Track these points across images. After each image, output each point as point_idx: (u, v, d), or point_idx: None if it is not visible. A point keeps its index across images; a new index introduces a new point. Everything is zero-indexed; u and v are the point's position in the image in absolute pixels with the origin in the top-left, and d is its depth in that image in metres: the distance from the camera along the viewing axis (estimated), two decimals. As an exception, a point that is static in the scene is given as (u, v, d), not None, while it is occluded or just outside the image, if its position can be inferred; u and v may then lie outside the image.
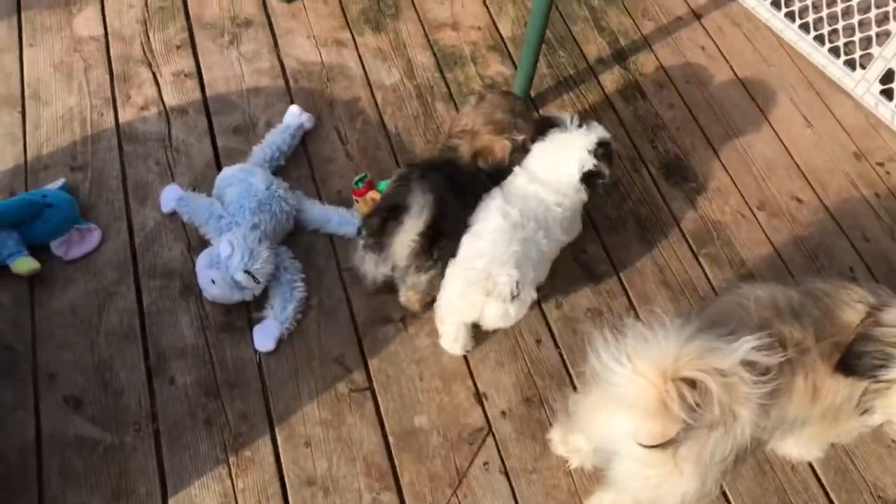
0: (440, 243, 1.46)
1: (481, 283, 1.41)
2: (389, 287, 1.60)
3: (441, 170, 1.52)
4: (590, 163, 1.53)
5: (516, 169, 1.56)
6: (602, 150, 1.54)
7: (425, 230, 1.41)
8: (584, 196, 1.57)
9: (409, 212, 1.41)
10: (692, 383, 1.08)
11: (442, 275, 1.48)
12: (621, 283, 1.74)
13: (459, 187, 1.51)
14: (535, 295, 1.48)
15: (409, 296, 1.59)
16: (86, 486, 1.37)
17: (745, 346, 1.07)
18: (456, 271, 1.46)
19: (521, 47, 2.09)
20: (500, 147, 1.59)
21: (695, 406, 1.07)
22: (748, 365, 1.10)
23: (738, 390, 1.09)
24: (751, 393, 1.08)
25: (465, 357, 1.59)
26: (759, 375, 1.10)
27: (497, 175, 1.59)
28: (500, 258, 1.41)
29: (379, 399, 1.52)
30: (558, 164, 1.53)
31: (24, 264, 1.55)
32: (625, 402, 1.14)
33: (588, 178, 1.54)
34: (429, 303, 1.59)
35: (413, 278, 1.51)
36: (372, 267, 1.51)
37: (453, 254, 1.47)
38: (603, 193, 1.81)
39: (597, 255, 1.77)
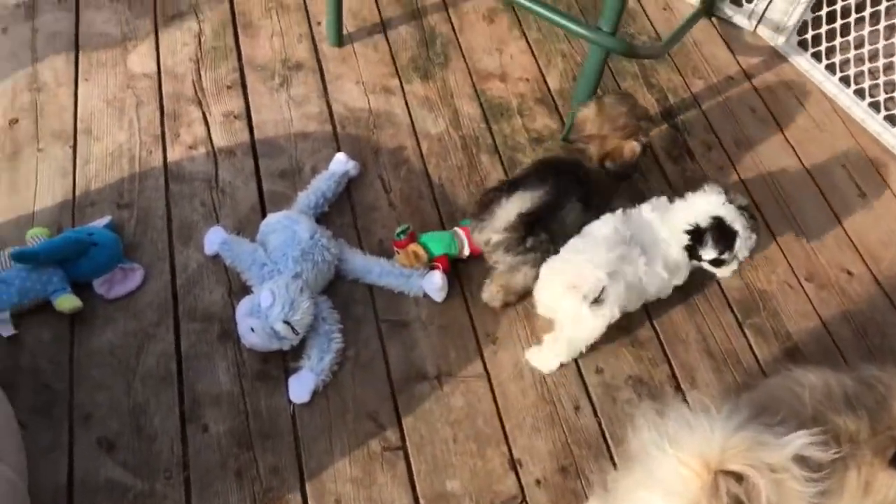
0: (538, 235, 1.58)
1: (569, 275, 1.51)
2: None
3: (573, 172, 1.67)
4: (700, 225, 1.60)
5: (653, 200, 1.67)
6: (717, 234, 1.60)
7: (526, 214, 1.55)
8: (681, 255, 1.63)
9: (518, 191, 1.57)
10: (739, 477, 1.07)
11: (532, 266, 1.60)
12: (664, 350, 1.73)
13: (587, 191, 1.65)
14: (616, 315, 1.55)
15: (493, 287, 1.68)
16: (115, 533, 1.39)
17: (799, 440, 1.05)
18: (550, 262, 1.57)
19: (570, 101, 2.12)
20: (630, 149, 1.74)
21: (741, 502, 1.06)
22: (800, 461, 1.08)
23: (789, 488, 1.07)
24: (802, 492, 1.06)
25: (500, 420, 1.59)
26: (811, 472, 1.09)
27: (623, 175, 1.76)
28: (596, 260, 1.50)
29: (411, 459, 1.53)
30: (679, 211, 1.63)
31: (67, 302, 1.59)
32: (666, 488, 1.13)
33: (691, 238, 1.60)
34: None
35: (500, 256, 1.61)
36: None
37: (554, 251, 1.58)
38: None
39: (640, 320, 1.76)
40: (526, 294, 1.70)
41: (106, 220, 1.74)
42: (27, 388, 1.52)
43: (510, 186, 1.62)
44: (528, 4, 1.77)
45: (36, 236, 1.69)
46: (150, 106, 2.00)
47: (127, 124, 1.95)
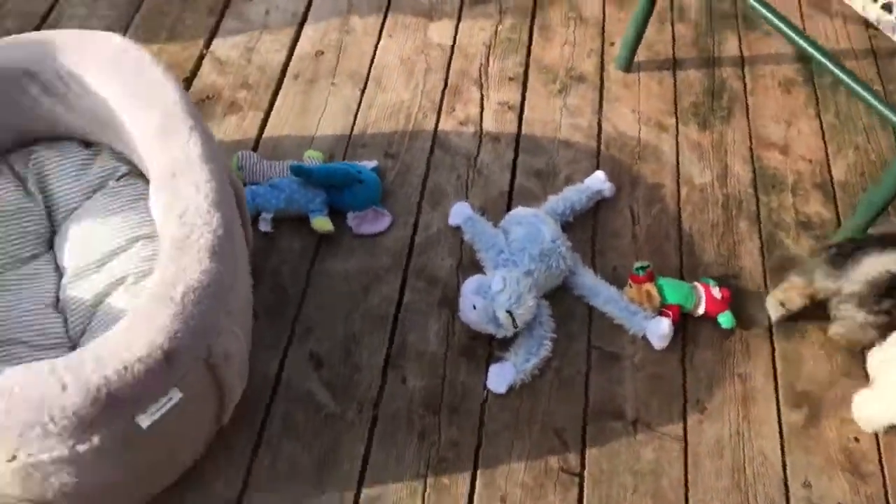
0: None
1: None
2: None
3: None
4: None
5: None
6: None
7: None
8: None
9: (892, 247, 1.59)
10: None
11: (874, 328, 1.62)
12: (886, 495, 1.60)
13: None
14: None
15: (835, 329, 1.73)
16: (300, 441, 1.53)
17: None
18: None
19: (854, 197, 2.04)
20: None
21: None
22: None
23: None
24: None
25: (685, 490, 1.56)
26: None
27: None
28: None
29: (585, 491, 1.54)
30: None
31: (322, 223, 1.79)
32: None
33: None
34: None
35: (849, 311, 1.63)
36: (821, 278, 1.68)
37: None
38: None
39: (869, 449, 1.64)
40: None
41: (373, 163, 1.93)
42: (267, 286, 1.72)
43: (878, 241, 1.62)
44: (851, 83, 1.73)
45: (311, 157, 1.92)
46: (437, 75, 2.19)
47: (413, 85, 2.15)
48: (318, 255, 1.79)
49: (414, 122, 2.07)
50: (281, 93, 2.09)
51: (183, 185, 1.38)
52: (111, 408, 1.16)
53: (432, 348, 1.68)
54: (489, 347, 1.69)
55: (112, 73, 1.53)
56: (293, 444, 1.53)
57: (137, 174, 1.67)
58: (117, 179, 1.65)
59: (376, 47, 2.23)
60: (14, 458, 1.16)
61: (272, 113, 2.04)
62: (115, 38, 1.57)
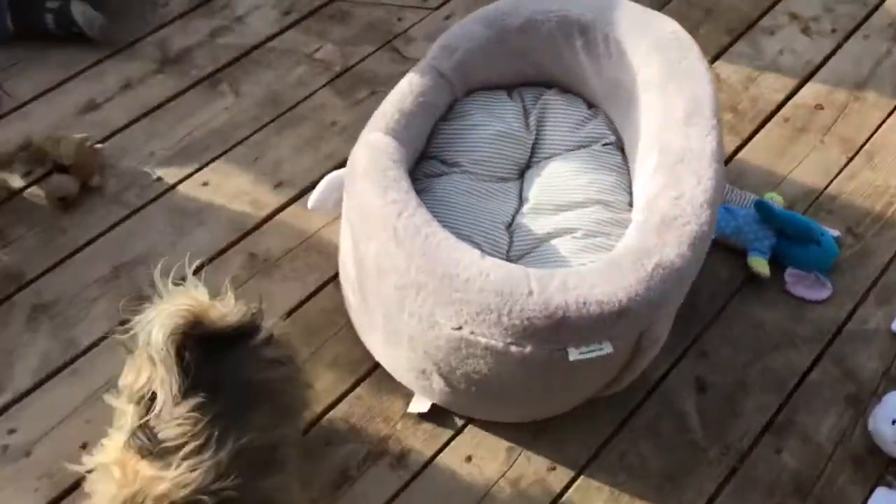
0: None
1: None
2: None
3: None
4: None
5: None
6: None
7: None
8: None
9: None
10: None
11: None
12: None
13: None
14: None
15: None
16: (657, 449, 1.58)
17: None
18: None
19: None
20: None
21: None
22: None
23: None
24: None
25: None
26: None
27: None
28: None
29: None
30: None
31: (760, 264, 1.79)
32: None
33: None
34: None
35: None
36: None
37: None
38: None
39: None
40: None
41: (836, 232, 1.87)
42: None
43: None
44: None
45: (773, 199, 1.91)
46: None
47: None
48: (740, 291, 1.80)
49: (894, 211, 1.96)
50: (765, 128, 2.11)
51: (686, 172, 1.48)
52: (557, 329, 1.32)
53: (821, 438, 1.60)
54: (884, 469, 1.57)
55: (656, 53, 1.68)
56: (650, 447, 1.58)
57: (619, 147, 1.82)
58: (602, 145, 1.81)
59: (882, 124, 2.13)
60: (460, 328, 1.38)
61: (749, 143, 2.08)
62: (672, 24, 1.73)
